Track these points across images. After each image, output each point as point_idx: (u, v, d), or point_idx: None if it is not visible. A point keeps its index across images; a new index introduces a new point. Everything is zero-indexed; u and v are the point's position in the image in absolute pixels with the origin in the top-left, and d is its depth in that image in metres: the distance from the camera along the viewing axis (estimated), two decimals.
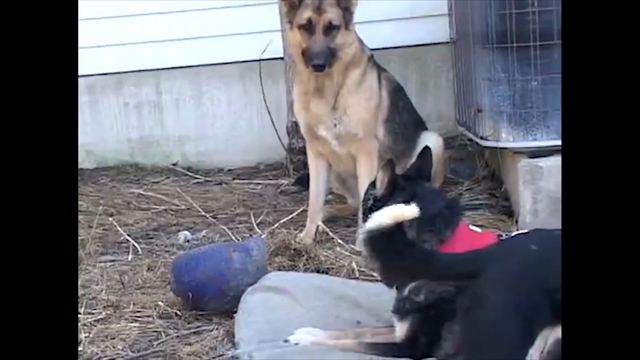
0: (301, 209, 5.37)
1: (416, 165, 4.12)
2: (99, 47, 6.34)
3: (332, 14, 4.94)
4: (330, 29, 4.94)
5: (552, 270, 2.93)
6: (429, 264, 3.20)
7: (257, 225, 5.28)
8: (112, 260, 4.95)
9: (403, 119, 5.25)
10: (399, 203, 3.83)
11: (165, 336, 4.09)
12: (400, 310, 3.89)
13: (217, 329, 4.11)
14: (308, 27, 4.93)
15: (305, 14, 4.92)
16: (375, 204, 3.90)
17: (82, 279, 4.64)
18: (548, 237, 3.19)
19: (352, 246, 4.91)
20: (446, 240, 3.73)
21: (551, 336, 3.05)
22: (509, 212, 5.15)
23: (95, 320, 4.20)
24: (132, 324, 4.17)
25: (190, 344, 3.98)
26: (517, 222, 4.99)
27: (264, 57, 6.22)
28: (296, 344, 3.93)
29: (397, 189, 3.87)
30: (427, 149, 4.18)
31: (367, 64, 5.11)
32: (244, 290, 4.23)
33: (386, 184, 3.88)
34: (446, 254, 3.28)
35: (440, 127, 5.76)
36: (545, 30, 4.81)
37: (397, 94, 5.26)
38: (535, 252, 3.00)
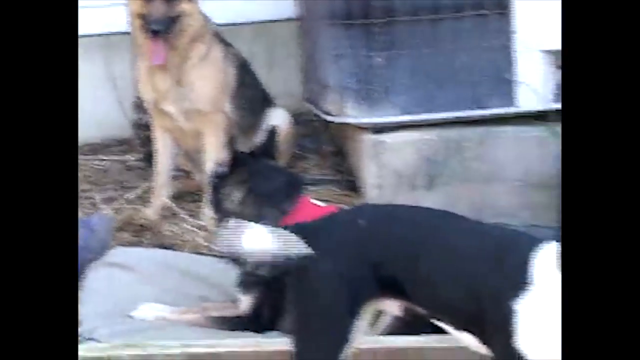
0: (147, 185, 5.32)
1: (262, 143, 4.19)
2: None
3: None
4: None
5: (378, 244, 2.97)
6: None
7: (102, 201, 5.21)
8: None
9: (250, 95, 5.25)
10: (237, 180, 3.89)
11: None
12: (245, 284, 3.93)
13: None
14: None
15: None
16: (216, 181, 3.94)
17: None
18: (375, 211, 3.22)
19: (198, 221, 4.91)
20: (287, 214, 3.79)
21: (378, 308, 3.11)
22: (355, 187, 5.22)
23: None
24: None
25: None
26: (362, 197, 5.06)
27: (109, 31, 6.12)
28: (141, 319, 3.92)
29: (238, 166, 3.91)
30: (273, 127, 4.25)
31: (212, 39, 5.08)
32: (87, 266, 4.18)
33: (227, 162, 3.92)
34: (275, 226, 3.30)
35: (288, 104, 5.76)
36: (389, 7, 4.87)
37: (244, 69, 5.26)
38: (362, 226, 3.02)
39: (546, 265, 2.77)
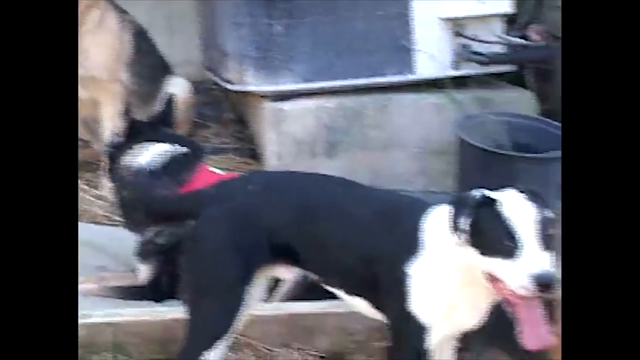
0: None
1: (160, 111, 4.17)
2: None
3: None
4: None
5: (270, 210, 2.98)
6: (143, 203, 3.21)
7: None
8: None
9: (147, 63, 5.19)
10: (134, 149, 3.86)
11: None
12: (143, 253, 3.92)
13: None
14: None
15: None
16: (113, 150, 3.91)
17: None
18: (267, 178, 3.24)
19: (96, 191, 4.86)
20: (185, 183, 3.77)
21: (271, 275, 3.13)
22: (255, 155, 5.21)
23: None
24: None
25: None
26: (263, 164, 5.06)
27: None
28: None
29: (135, 134, 3.89)
30: (171, 95, 4.23)
31: (106, 5, 5.00)
32: None
33: (124, 131, 3.89)
34: (163, 195, 3.29)
35: (188, 72, 5.73)
36: None
37: (141, 36, 5.19)
38: (253, 193, 3.03)
39: (436, 228, 2.81)
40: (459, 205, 2.75)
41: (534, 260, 2.66)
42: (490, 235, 2.70)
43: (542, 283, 2.64)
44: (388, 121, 4.95)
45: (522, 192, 2.77)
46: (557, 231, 2.76)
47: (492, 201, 2.74)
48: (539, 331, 2.72)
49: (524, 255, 2.66)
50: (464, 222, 2.72)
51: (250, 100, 5.24)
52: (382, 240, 2.88)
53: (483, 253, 2.71)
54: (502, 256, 2.68)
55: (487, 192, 2.77)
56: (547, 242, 2.69)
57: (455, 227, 2.73)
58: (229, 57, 5.11)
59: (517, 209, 2.71)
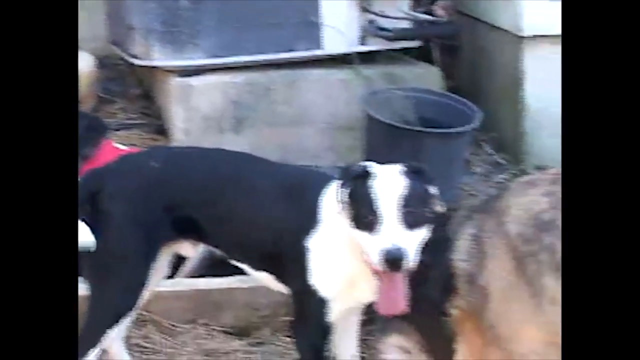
0: None
1: None
2: None
3: None
4: None
5: (172, 186, 2.96)
6: None
7: None
8: None
9: None
10: None
11: None
12: None
13: None
14: None
15: None
16: None
17: None
18: (168, 154, 3.20)
19: None
20: (89, 159, 3.73)
21: (175, 251, 3.10)
22: (163, 131, 5.17)
23: None
24: None
25: None
26: (170, 140, 5.01)
27: None
28: None
29: None
30: None
31: None
32: None
33: None
34: None
35: (94, 47, 5.65)
36: None
37: None
38: (155, 169, 3.00)
39: (332, 202, 2.81)
40: (342, 177, 2.77)
41: (388, 236, 2.66)
42: (359, 208, 2.71)
43: (389, 259, 2.65)
44: (296, 97, 4.94)
45: (405, 167, 2.77)
46: (440, 208, 2.78)
47: (368, 175, 2.74)
48: (393, 299, 2.73)
49: (382, 230, 2.67)
50: (344, 194, 2.73)
51: (157, 76, 5.18)
52: (286, 215, 2.88)
53: (355, 226, 2.73)
54: (366, 230, 2.69)
55: (369, 166, 2.77)
56: (414, 218, 2.69)
57: (338, 199, 2.74)
58: (135, 32, 5.05)
59: (386, 184, 2.71)
